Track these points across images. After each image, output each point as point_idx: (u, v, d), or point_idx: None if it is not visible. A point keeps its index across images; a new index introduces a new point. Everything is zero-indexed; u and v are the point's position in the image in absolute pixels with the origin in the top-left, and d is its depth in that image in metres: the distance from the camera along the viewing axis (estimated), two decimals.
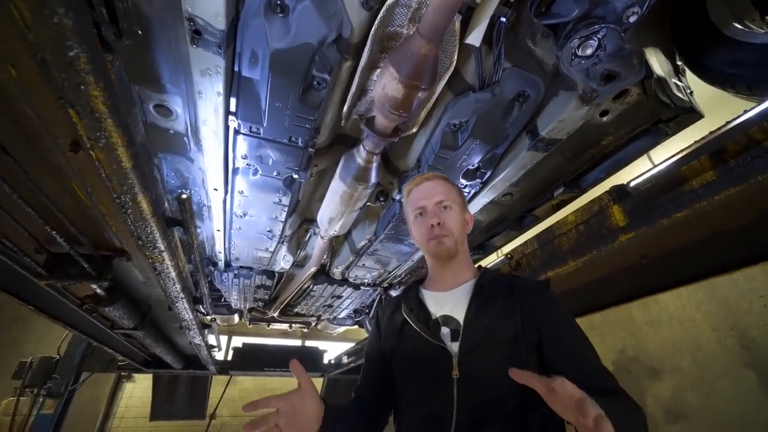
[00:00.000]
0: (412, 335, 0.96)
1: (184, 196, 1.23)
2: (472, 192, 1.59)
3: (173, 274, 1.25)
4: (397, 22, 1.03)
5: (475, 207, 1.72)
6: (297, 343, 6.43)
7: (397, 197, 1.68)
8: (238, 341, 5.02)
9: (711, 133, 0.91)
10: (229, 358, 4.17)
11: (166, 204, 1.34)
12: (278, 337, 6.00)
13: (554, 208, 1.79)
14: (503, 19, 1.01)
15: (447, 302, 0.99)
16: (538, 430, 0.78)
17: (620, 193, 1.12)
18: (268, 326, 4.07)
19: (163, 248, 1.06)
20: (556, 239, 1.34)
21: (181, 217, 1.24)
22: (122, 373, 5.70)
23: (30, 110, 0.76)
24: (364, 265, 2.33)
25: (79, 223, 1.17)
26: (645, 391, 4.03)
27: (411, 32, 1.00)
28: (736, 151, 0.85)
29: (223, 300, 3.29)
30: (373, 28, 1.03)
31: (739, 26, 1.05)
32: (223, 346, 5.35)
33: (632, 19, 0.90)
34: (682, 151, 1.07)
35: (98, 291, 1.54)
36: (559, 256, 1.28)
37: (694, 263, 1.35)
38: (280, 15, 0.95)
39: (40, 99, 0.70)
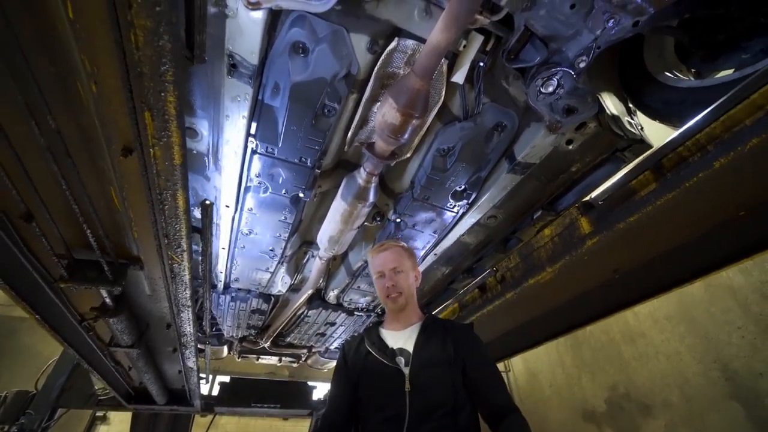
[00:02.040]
0: (375, 362, 1.29)
1: (207, 202, 1.37)
2: (461, 213, 1.77)
3: (187, 278, 1.35)
4: (395, 64, 1.27)
5: (462, 228, 1.88)
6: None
7: (392, 217, 1.84)
8: (223, 381, 4.83)
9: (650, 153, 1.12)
10: (215, 393, 4.01)
11: None
12: (266, 375, 5.78)
13: (537, 231, 1.97)
14: (481, 64, 1.25)
15: (401, 338, 1.35)
16: (464, 423, 1.16)
17: (586, 206, 1.31)
18: (257, 360, 3.99)
19: (185, 248, 1.19)
20: (536, 251, 1.50)
21: (201, 223, 1.37)
22: (97, 414, 5.35)
23: (96, 119, 0.93)
24: (359, 287, 2.42)
25: (106, 229, 1.29)
26: (639, 430, 3.98)
27: (407, 72, 1.23)
28: (670, 166, 1.05)
29: (214, 329, 3.28)
30: (375, 68, 1.26)
31: (669, 74, 1.31)
32: (207, 386, 5.13)
33: (582, 65, 1.14)
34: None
35: (107, 300, 1.61)
36: (539, 265, 1.44)
37: (660, 276, 1.51)
38: (302, 55, 1.17)
39: (110, 109, 0.87)
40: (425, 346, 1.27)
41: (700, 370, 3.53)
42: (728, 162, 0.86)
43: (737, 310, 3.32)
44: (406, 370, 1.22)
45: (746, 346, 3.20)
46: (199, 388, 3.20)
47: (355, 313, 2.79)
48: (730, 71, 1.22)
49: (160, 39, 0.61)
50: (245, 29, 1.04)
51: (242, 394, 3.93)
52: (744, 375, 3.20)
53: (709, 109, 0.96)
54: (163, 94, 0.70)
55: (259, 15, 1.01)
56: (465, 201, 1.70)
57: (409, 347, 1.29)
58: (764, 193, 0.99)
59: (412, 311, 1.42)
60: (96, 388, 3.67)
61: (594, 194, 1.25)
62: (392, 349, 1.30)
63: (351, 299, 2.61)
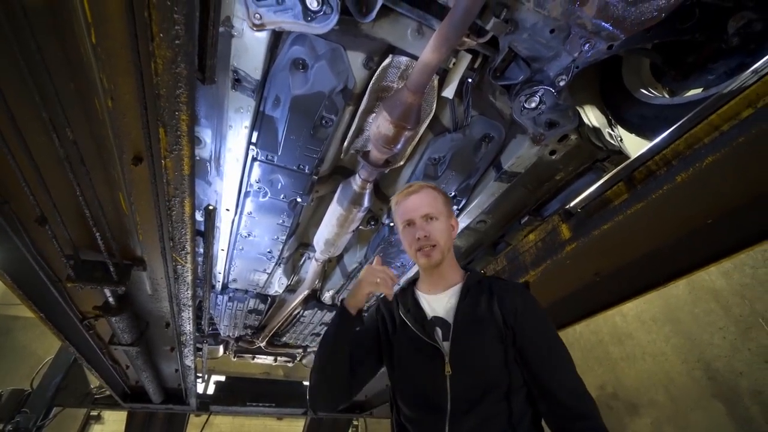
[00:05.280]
0: (409, 334, 1.07)
1: (210, 207, 1.44)
2: None
3: (190, 278, 1.42)
4: (389, 79, 1.35)
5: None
6: None
7: (386, 222, 1.92)
8: (219, 380, 4.87)
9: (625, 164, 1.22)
10: (210, 392, 4.06)
11: None
12: (261, 375, 5.83)
13: (524, 236, 2.06)
14: (470, 80, 1.34)
15: (438, 304, 1.10)
16: (520, 409, 0.93)
17: (567, 214, 1.40)
18: (253, 359, 4.05)
19: (189, 250, 1.25)
20: (521, 255, 1.59)
21: (204, 227, 1.44)
22: (91, 413, 5.36)
23: (110, 131, 1.00)
24: None
25: (113, 231, 1.35)
26: (626, 429, 4.09)
27: (400, 86, 1.31)
28: (641, 178, 1.14)
29: (211, 329, 3.34)
30: (371, 83, 1.34)
31: (645, 91, 1.41)
32: (202, 385, 5.16)
33: (562, 83, 1.23)
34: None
35: (110, 299, 1.67)
36: (523, 268, 1.52)
37: (637, 278, 1.60)
38: (302, 70, 1.25)
39: (124, 122, 0.94)
40: (468, 316, 1.02)
41: (684, 369, 3.64)
42: (688, 177, 0.95)
43: (719, 311, 3.45)
44: (446, 347, 0.99)
45: (727, 347, 3.32)
46: (195, 386, 3.25)
47: None
48: (699, 90, 1.32)
49: (177, 66, 0.69)
50: (250, 47, 1.12)
51: (237, 394, 3.98)
52: (725, 374, 3.32)
53: (674, 126, 1.05)
54: (177, 113, 0.78)
55: (263, 35, 1.09)
56: (455, 207, 1.78)
57: (449, 317, 1.04)
58: (722, 205, 1.09)
59: (451, 269, 1.14)
60: (92, 386, 3.70)
61: (574, 202, 1.34)
62: (430, 319, 1.07)
63: None
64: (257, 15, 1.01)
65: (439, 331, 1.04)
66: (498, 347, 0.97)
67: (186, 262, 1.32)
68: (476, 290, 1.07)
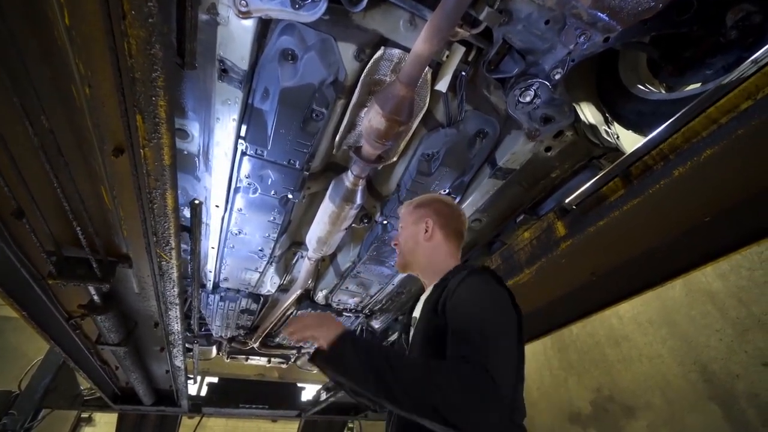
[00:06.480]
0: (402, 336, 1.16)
1: (197, 201, 1.40)
2: None
3: (175, 275, 1.38)
4: (381, 72, 1.32)
5: None
6: None
7: (380, 219, 1.89)
8: (211, 381, 4.81)
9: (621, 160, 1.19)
10: (203, 393, 4.00)
11: None
12: (255, 377, 5.76)
13: (520, 234, 2.03)
14: (463, 73, 1.31)
15: (419, 304, 1.12)
16: None
17: (563, 211, 1.37)
18: (246, 360, 4.00)
19: (173, 245, 1.22)
20: (515, 254, 1.56)
21: (190, 222, 1.40)
22: (82, 415, 5.28)
23: (89, 120, 0.96)
24: (347, 288, 2.46)
25: (96, 227, 1.31)
26: None
27: (392, 80, 1.28)
28: (637, 173, 1.12)
29: (203, 330, 3.29)
30: (362, 75, 1.31)
31: (642, 87, 1.38)
32: (195, 386, 5.10)
33: (557, 77, 1.20)
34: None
35: (95, 297, 1.62)
36: (517, 267, 1.50)
37: (634, 277, 1.58)
38: (291, 61, 1.22)
39: (103, 111, 0.91)
40: (423, 313, 1.02)
41: (681, 372, 3.62)
42: (685, 171, 0.93)
43: (715, 313, 3.43)
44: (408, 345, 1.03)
45: (724, 349, 3.30)
46: (186, 388, 3.20)
47: (344, 313, 2.82)
48: (697, 85, 1.30)
49: (152, 48, 0.65)
50: (236, 36, 1.09)
51: (230, 395, 3.93)
52: (721, 377, 3.30)
53: (671, 120, 1.03)
54: (154, 98, 0.74)
55: (249, 23, 1.06)
56: None
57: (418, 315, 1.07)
58: (720, 201, 1.06)
59: (432, 269, 1.14)
60: (82, 388, 3.64)
61: (569, 199, 1.31)
62: (409, 320, 1.13)
63: (340, 300, 2.64)
64: (243, 2, 0.98)
65: (412, 330, 1.09)
66: (423, 339, 0.96)
67: (171, 258, 1.28)
68: (441, 287, 1.01)
